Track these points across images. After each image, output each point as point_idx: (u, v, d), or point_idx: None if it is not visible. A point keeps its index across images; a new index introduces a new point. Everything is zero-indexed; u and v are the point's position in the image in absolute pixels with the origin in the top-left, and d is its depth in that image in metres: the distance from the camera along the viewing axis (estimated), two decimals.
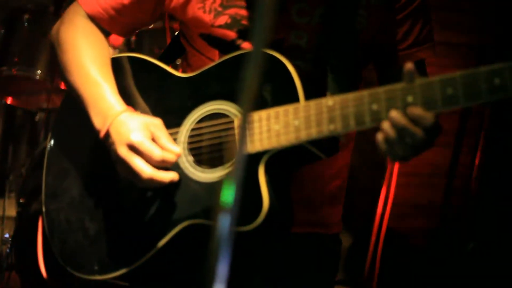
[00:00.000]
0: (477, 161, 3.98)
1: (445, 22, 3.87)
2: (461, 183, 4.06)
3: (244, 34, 1.57)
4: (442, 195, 4.10)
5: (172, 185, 1.51)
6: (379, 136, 1.34)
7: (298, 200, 1.62)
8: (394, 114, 1.30)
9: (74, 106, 1.63)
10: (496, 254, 3.60)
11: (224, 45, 1.60)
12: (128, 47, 3.33)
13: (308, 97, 1.41)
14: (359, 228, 4.03)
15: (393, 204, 3.64)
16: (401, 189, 3.93)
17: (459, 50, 3.91)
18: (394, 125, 1.30)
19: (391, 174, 3.50)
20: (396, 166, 3.57)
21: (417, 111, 1.28)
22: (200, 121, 1.54)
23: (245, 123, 0.93)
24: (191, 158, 1.53)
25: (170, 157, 1.48)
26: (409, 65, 1.30)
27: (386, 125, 1.32)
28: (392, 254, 3.79)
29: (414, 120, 1.29)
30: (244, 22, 1.56)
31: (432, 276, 3.82)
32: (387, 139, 1.33)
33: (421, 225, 4.12)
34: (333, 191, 1.74)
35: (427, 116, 1.28)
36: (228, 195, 0.90)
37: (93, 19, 1.69)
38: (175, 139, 1.55)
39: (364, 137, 1.84)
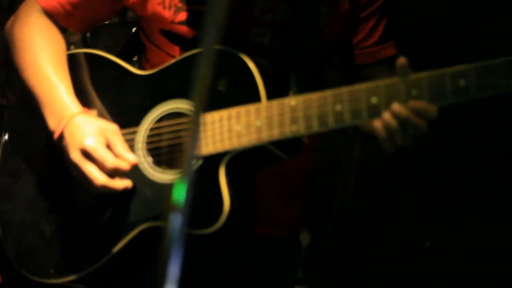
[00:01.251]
0: None
1: None
2: None
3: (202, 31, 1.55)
4: None
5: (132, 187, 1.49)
6: (378, 124, 1.33)
7: (256, 200, 1.61)
8: (397, 107, 1.30)
9: (29, 104, 1.59)
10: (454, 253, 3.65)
11: (185, 42, 1.57)
12: (83, 41, 3.28)
13: (270, 96, 1.40)
14: (319, 227, 4.05)
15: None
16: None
17: None
18: (396, 116, 1.30)
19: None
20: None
21: (419, 104, 1.29)
22: (159, 120, 1.51)
23: (196, 122, 0.92)
24: (150, 159, 1.51)
25: (124, 166, 1.46)
26: (401, 60, 1.30)
27: (387, 115, 1.31)
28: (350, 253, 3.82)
29: (416, 112, 1.29)
30: (204, 18, 1.55)
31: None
32: (387, 129, 1.32)
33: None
34: (292, 192, 1.73)
35: (431, 109, 1.29)
36: (179, 195, 0.89)
37: (49, 14, 1.65)
38: (133, 139, 1.52)
39: (326, 137, 1.84)
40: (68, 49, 1.70)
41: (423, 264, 3.58)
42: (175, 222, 0.88)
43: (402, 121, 1.30)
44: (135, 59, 1.83)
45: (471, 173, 3.13)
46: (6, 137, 1.73)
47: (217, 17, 0.90)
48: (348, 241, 3.86)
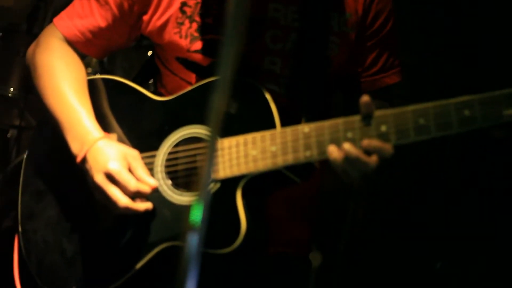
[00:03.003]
0: None
1: None
2: None
3: (218, 60, 1.60)
4: None
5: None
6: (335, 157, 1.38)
7: (272, 221, 1.66)
8: (347, 146, 1.35)
9: (50, 127, 1.65)
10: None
11: (201, 70, 1.63)
12: (100, 64, 3.35)
13: (285, 123, 1.46)
14: (330, 247, 4.06)
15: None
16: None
17: None
18: (347, 156, 1.36)
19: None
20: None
21: (374, 143, 1.34)
22: (177, 145, 1.57)
23: (212, 147, 0.97)
24: (169, 182, 1.56)
25: (145, 189, 1.52)
26: (364, 98, 1.35)
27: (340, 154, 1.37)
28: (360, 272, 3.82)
29: (369, 152, 1.35)
30: (219, 47, 1.60)
31: None
32: (341, 165, 1.38)
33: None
34: (303, 211, 1.78)
35: (386, 147, 1.34)
36: (195, 215, 0.94)
37: (69, 41, 1.71)
38: (152, 163, 1.58)
39: None
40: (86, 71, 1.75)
41: (434, 285, 3.59)
42: (192, 242, 0.92)
43: (350, 159, 1.35)
44: (150, 82, 1.88)
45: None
46: (29, 158, 1.79)
47: (233, 47, 0.94)
48: (359, 260, 3.88)
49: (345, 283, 3.69)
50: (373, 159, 1.35)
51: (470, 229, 3.57)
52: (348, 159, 1.35)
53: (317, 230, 1.86)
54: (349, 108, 1.70)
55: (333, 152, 1.37)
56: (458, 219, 3.61)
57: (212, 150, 0.97)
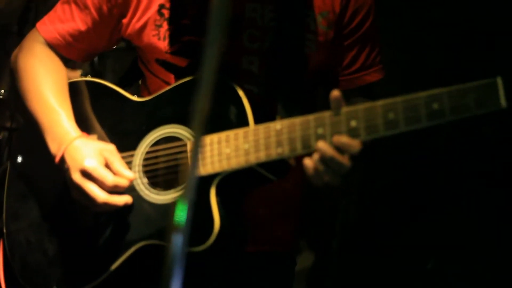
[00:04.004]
0: None
1: None
2: None
3: (196, 59, 1.61)
4: None
5: (127, 207, 1.55)
6: (307, 162, 1.39)
7: (250, 219, 1.67)
8: (321, 144, 1.35)
9: (33, 130, 1.67)
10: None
11: (179, 70, 1.65)
12: (91, 65, 3.36)
13: (259, 121, 1.47)
14: (322, 246, 4.07)
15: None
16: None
17: None
18: (322, 155, 1.35)
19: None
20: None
21: (342, 139, 1.33)
22: (155, 144, 1.59)
23: (197, 147, 0.97)
24: (145, 180, 1.58)
25: (123, 182, 1.53)
26: (335, 93, 1.35)
27: (315, 155, 1.37)
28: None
29: (340, 149, 1.34)
30: (197, 48, 1.61)
31: None
32: (315, 168, 1.38)
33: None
34: (285, 210, 1.79)
35: (353, 144, 1.33)
36: (180, 216, 0.94)
37: (51, 45, 1.74)
38: (130, 162, 1.60)
39: None
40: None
41: (427, 284, 3.60)
42: (177, 242, 0.93)
43: (326, 160, 1.34)
44: (140, 83, 1.90)
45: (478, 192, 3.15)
46: (13, 161, 1.81)
47: (215, 47, 0.94)
48: (351, 259, 3.88)
49: (338, 282, 3.69)
50: (346, 158, 1.35)
51: (465, 229, 3.58)
52: (321, 158, 1.35)
53: (306, 228, 1.87)
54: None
55: (308, 163, 1.38)
56: (452, 219, 3.62)
57: (196, 151, 0.98)
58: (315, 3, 1.64)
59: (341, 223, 3.57)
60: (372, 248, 4.08)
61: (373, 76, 1.73)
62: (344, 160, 1.35)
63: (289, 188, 1.77)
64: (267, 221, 1.74)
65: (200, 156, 0.97)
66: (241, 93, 1.48)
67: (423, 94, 1.29)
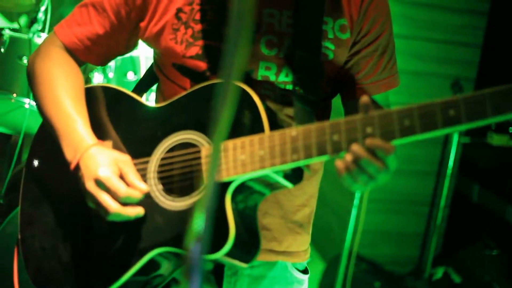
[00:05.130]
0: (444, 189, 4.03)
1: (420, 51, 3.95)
2: (431, 210, 4.12)
3: (213, 65, 1.61)
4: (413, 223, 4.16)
5: (143, 214, 1.55)
6: (339, 164, 1.38)
7: (264, 228, 1.67)
8: (355, 147, 1.34)
9: (49, 136, 1.67)
10: None
11: (196, 75, 1.63)
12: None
13: (275, 127, 1.46)
14: (331, 253, 4.06)
15: (365, 230, 3.68)
16: (371, 215, 3.98)
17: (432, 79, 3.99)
18: (356, 157, 1.34)
19: (361, 200, 3.54)
20: (366, 192, 3.61)
21: (376, 141, 1.32)
22: (170, 150, 1.58)
23: (216, 153, 0.96)
24: (161, 187, 1.57)
25: (136, 194, 1.53)
26: (364, 99, 1.34)
27: (348, 157, 1.36)
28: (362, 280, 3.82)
29: (373, 151, 1.33)
30: (214, 53, 1.61)
31: None
32: (348, 169, 1.37)
33: (394, 252, 4.16)
34: (300, 221, 1.78)
35: (386, 146, 1.32)
36: (198, 223, 0.93)
37: (69, 49, 1.73)
38: (145, 168, 1.59)
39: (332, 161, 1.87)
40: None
41: None
42: (195, 249, 0.92)
43: (360, 163, 1.34)
44: (156, 89, 1.90)
45: None
46: (28, 166, 1.81)
47: (236, 53, 0.93)
48: (361, 268, 3.87)
49: None
50: (379, 160, 1.34)
51: None
52: (356, 160, 1.34)
53: (319, 238, 1.86)
54: (348, 113, 1.70)
55: (340, 165, 1.37)
56: None
57: (216, 157, 0.96)
58: (333, 11, 1.63)
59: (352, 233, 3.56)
60: (379, 258, 4.07)
61: (389, 84, 1.72)
62: (377, 160, 1.34)
63: (305, 198, 1.76)
64: (281, 231, 1.74)
65: (218, 165, 0.95)
66: (256, 99, 1.47)
67: (439, 101, 1.28)
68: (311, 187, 1.78)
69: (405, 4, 3.86)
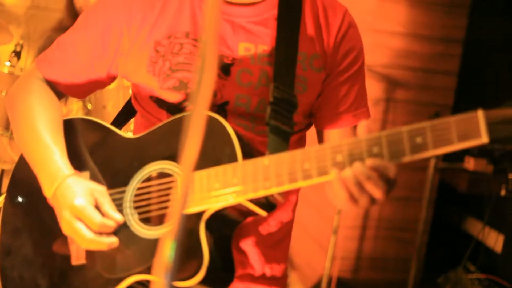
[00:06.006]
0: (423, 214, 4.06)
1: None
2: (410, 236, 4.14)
3: (191, 97, 1.63)
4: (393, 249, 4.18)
5: (119, 242, 1.58)
6: (337, 183, 1.38)
7: (240, 255, 1.70)
8: (357, 165, 1.34)
9: (28, 166, 1.70)
10: None
11: (172, 107, 1.67)
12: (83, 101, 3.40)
13: (248, 156, 1.49)
14: (313, 280, 4.07)
15: (346, 256, 3.70)
16: (349, 241, 4.00)
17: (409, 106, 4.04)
18: (355, 175, 1.35)
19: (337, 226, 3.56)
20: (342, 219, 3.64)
21: (378, 161, 1.33)
22: (146, 180, 1.62)
23: (186, 183, 0.98)
24: (136, 216, 1.60)
25: (110, 224, 1.57)
26: (363, 123, 1.37)
27: (347, 173, 1.36)
28: None
29: (374, 171, 1.34)
30: (191, 85, 1.65)
31: None
32: (346, 187, 1.37)
33: (376, 277, 4.18)
34: (276, 247, 1.80)
35: (389, 166, 1.33)
36: (168, 251, 0.95)
37: (49, 82, 1.76)
38: (121, 198, 1.63)
39: (312, 190, 1.89)
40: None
41: None
42: (164, 277, 0.94)
43: (359, 180, 1.35)
44: (134, 120, 1.93)
45: None
46: (8, 197, 1.83)
47: (206, 84, 0.96)
48: None
49: None
50: (381, 181, 1.35)
51: None
52: (357, 178, 1.35)
53: (300, 265, 1.88)
54: (320, 142, 1.73)
55: (336, 174, 1.37)
56: None
57: (186, 189, 0.99)
58: (307, 45, 1.67)
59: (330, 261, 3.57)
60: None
61: (359, 116, 1.75)
62: (380, 179, 1.34)
63: (280, 225, 1.79)
64: (256, 257, 1.76)
65: (189, 193, 0.98)
66: (230, 130, 1.51)
67: (406, 128, 1.31)
68: (286, 215, 1.81)
69: (382, 34, 3.93)
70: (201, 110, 0.97)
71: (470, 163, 3.85)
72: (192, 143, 0.97)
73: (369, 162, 1.33)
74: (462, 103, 4.03)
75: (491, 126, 1.24)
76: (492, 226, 3.95)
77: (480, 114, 1.24)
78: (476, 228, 3.96)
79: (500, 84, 4.10)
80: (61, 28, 2.83)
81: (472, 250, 3.93)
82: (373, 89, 3.80)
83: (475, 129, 1.24)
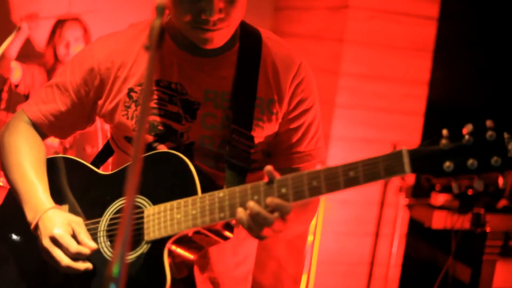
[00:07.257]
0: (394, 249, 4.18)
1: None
2: (382, 271, 4.24)
3: (160, 137, 1.84)
4: (366, 284, 4.27)
5: (93, 268, 1.77)
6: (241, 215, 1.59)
7: (205, 282, 1.87)
8: (251, 203, 1.58)
9: (15, 200, 1.89)
10: None
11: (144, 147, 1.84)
12: (62, 145, 3.55)
13: (207, 190, 1.68)
14: None
15: None
16: (324, 277, 4.09)
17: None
18: (251, 211, 1.58)
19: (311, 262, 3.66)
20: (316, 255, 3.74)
21: (276, 200, 1.56)
22: (118, 212, 1.81)
23: (130, 211, 1.15)
24: (109, 244, 1.79)
25: (85, 250, 1.76)
26: (267, 167, 1.58)
27: (247, 212, 1.59)
28: None
29: (273, 209, 1.56)
30: (160, 127, 1.84)
31: None
32: (247, 222, 1.59)
33: None
34: (239, 276, 1.98)
35: (286, 205, 1.56)
36: (115, 272, 1.12)
37: (34, 124, 1.96)
38: (96, 228, 1.82)
39: None
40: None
41: None
42: None
43: (253, 214, 1.57)
44: (110, 160, 2.12)
45: None
46: None
47: (142, 129, 1.16)
48: None
49: None
50: (274, 215, 1.56)
51: None
52: (251, 214, 1.57)
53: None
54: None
55: (240, 212, 1.60)
56: None
57: (129, 213, 1.15)
58: (265, 90, 1.84)
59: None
60: None
61: (312, 157, 1.92)
62: (270, 215, 1.56)
63: (243, 256, 1.98)
64: (222, 284, 1.93)
65: (132, 216, 1.15)
66: (191, 166, 1.70)
67: (341, 165, 1.51)
68: (247, 247, 1.99)
69: (350, 77, 4.08)
70: (139, 148, 1.21)
71: (436, 200, 4.00)
72: (133, 177, 1.14)
73: (268, 200, 1.56)
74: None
75: (414, 161, 1.45)
76: (458, 259, 4.07)
77: (404, 151, 1.45)
78: (445, 261, 4.08)
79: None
80: None
81: (441, 282, 4.04)
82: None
83: (399, 164, 1.45)
